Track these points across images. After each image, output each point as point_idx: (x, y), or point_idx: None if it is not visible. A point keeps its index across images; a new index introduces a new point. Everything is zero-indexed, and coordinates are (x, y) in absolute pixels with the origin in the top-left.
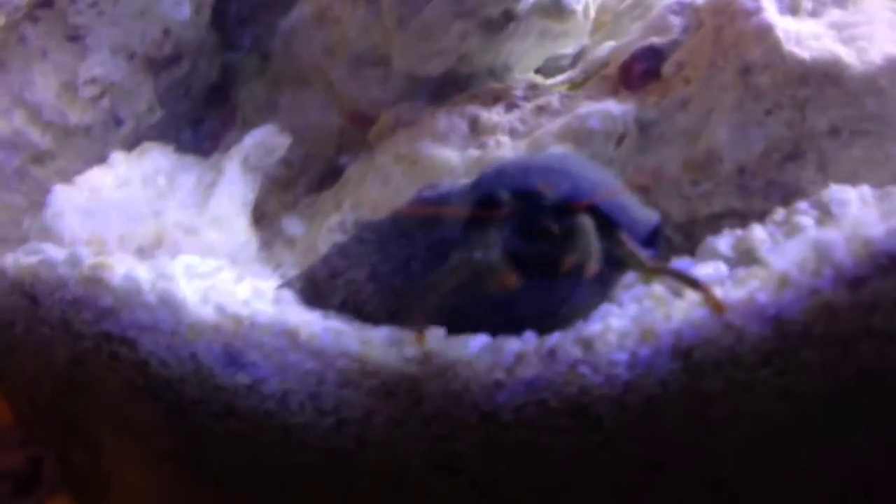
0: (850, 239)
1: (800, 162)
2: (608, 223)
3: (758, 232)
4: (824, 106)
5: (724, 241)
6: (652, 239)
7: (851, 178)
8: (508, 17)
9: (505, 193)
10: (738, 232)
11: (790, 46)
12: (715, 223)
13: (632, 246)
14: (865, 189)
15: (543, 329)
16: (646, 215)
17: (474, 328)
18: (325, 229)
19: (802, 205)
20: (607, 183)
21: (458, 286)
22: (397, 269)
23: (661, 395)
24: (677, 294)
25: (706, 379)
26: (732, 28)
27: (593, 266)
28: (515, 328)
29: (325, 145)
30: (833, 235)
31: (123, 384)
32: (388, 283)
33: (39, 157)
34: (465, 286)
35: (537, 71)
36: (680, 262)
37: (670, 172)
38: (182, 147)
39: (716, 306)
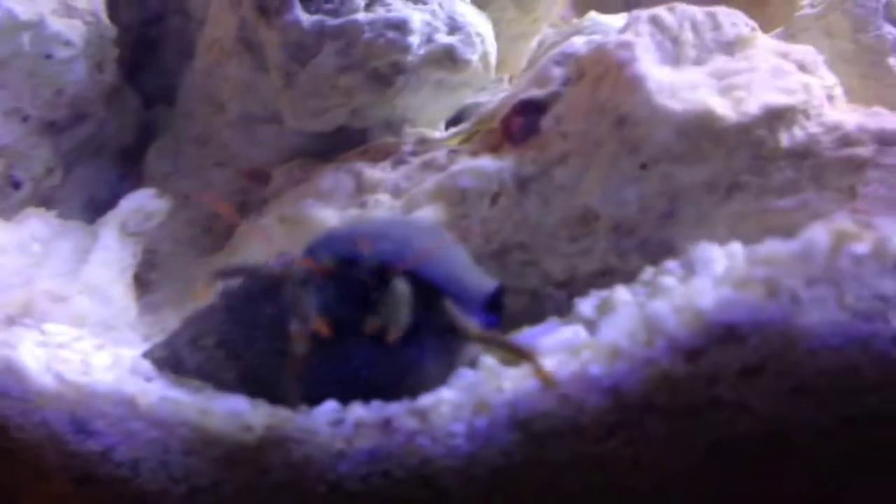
0: (680, 310)
1: (675, 218)
2: (430, 290)
3: (621, 293)
4: (699, 159)
5: (588, 304)
6: (492, 306)
7: (729, 234)
8: (397, 69)
9: (326, 256)
10: (603, 293)
11: (662, 99)
12: (595, 281)
13: (455, 314)
14: (736, 247)
15: (394, 398)
16: (482, 283)
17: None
18: (211, 292)
19: (670, 264)
20: (438, 250)
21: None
22: (242, 336)
23: (507, 466)
24: (510, 364)
25: (550, 450)
26: (608, 80)
27: (395, 331)
28: (366, 399)
29: (226, 202)
30: (661, 306)
31: None
32: (234, 349)
33: None
34: (314, 356)
35: (454, 122)
36: (540, 327)
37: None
38: (96, 209)
39: (545, 379)
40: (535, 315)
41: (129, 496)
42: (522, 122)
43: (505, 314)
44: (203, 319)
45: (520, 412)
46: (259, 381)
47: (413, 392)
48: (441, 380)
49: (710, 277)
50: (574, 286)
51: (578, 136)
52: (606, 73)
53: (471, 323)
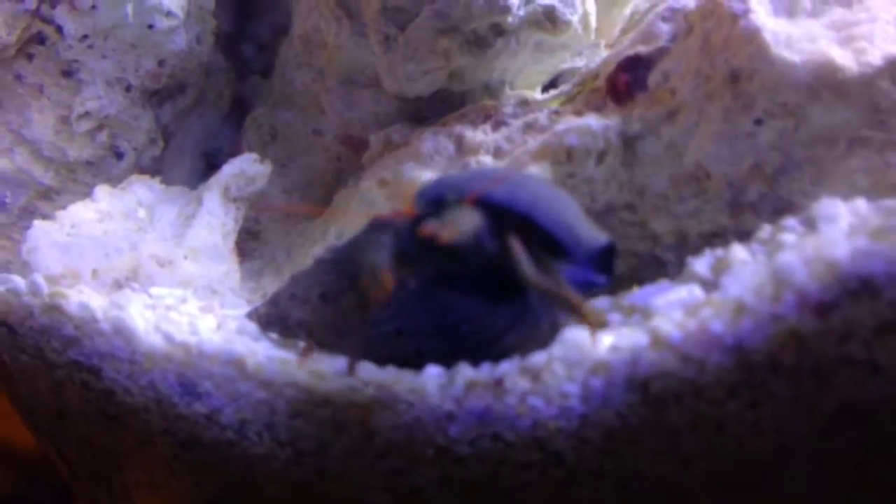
0: (811, 261)
1: (793, 175)
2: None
3: (738, 252)
4: (818, 113)
5: (701, 263)
6: (601, 262)
7: (849, 191)
8: (497, 31)
9: (419, 200)
10: (719, 252)
11: (779, 50)
12: (706, 242)
13: (518, 253)
14: (860, 203)
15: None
16: (591, 236)
17: (420, 354)
18: (309, 257)
19: (789, 221)
20: (549, 204)
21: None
22: (345, 288)
23: (622, 429)
24: (626, 324)
25: (669, 412)
26: (720, 33)
27: (447, 233)
28: (462, 358)
29: (324, 171)
30: (790, 258)
31: (99, 414)
32: (337, 300)
33: (45, 194)
34: (406, 309)
35: (550, 87)
36: (651, 287)
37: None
38: (196, 178)
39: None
40: (642, 279)
41: (235, 460)
42: (629, 78)
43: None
44: (307, 275)
45: (638, 372)
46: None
47: (510, 350)
48: (542, 339)
49: (841, 229)
50: (684, 248)
51: (688, 92)
52: (718, 26)
53: (531, 269)
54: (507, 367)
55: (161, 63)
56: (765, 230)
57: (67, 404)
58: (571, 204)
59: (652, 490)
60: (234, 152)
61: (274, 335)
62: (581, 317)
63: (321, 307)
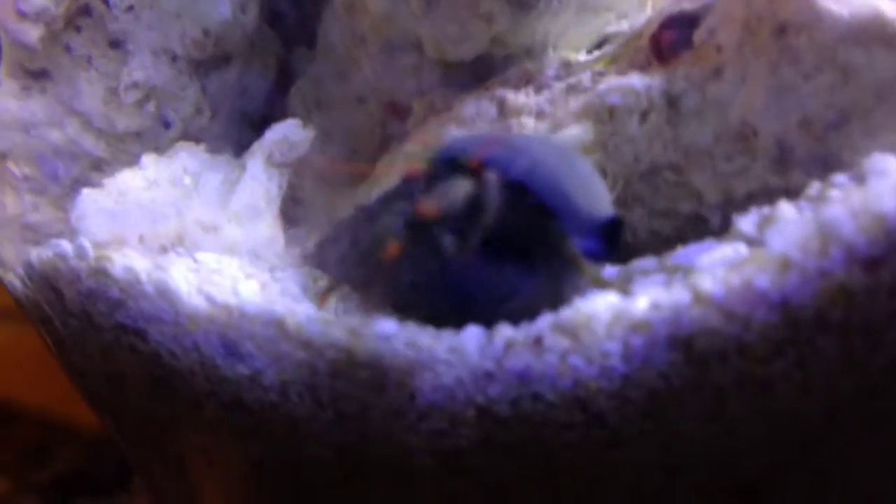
0: (858, 214)
1: (844, 130)
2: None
3: (786, 209)
4: (869, 67)
5: (748, 221)
6: (604, 234)
7: None
8: None
9: (429, 161)
10: (765, 210)
11: (827, 2)
12: (754, 201)
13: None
14: None
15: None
16: (594, 208)
17: (434, 309)
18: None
19: (839, 178)
20: (550, 172)
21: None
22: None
23: (665, 390)
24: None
25: (714, 372)
26: None
27: (429, 209)
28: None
29: (368, 139)
30: (836, 211)
31: (146, 377)
32: (361, 252)
33: (96, 165)
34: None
35: (596, 50)
36: (696, 246)
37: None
38: (242, 147)
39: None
40: (687, 239)
41: (278, 422)
42: (673, 36)
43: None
44: (344, 223)
45: (681, 330)
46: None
47: (518, 312)
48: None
49: (889, 183)
50: (730, 207)
51: (734, 48)
52: None
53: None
54: (544, 324)
55: (206, 32)
56: (813, 187)
57: (116, 368)
58: (581, 174)
59: (697, 453)
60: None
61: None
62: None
63: (351, 255)
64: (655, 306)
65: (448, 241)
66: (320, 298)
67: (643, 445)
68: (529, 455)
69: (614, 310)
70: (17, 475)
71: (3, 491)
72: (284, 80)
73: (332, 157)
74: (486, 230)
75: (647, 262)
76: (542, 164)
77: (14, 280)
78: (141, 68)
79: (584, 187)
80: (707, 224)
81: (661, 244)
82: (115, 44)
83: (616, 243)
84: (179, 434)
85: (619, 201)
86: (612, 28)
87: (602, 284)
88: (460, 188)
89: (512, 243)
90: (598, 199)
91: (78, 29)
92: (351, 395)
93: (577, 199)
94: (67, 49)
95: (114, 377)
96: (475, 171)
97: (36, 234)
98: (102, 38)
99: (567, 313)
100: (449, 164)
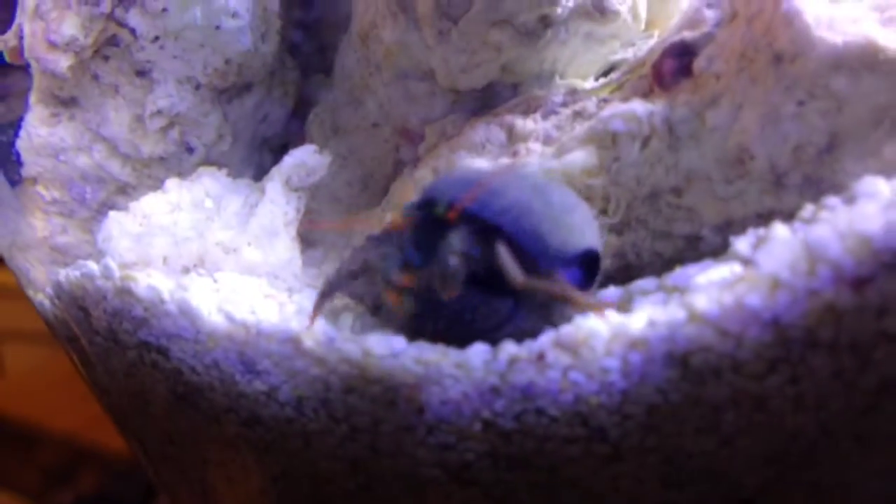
0: (845, 235)
1: (836, 155)
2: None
3: (780, 230)
4: (862, 93)
5: (744, 242)
6: (584, 265)
7: (895, 170)
8: (546, 22)
9: (410, 206)
10: (761, 231)
11: (821, 31)
12: (752, 224)
13: (506, 260)
14: None
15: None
16: (574, 240)
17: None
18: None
19: (831, 200)
20: (522, 212)
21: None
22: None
23: (663, 405)
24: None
25: (709, 388)
26: (763, 16)
27: (448, 290)
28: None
29: (382, 163)
30: (823, 232)
31: (168, 393)
32: (371, 276)
33: (122, 189)
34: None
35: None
36: (694, 266)
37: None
38: (262, 172)
39: (592, 308)
40: (688, 261)
41: (294, 437)
42: (674, 64)
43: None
44: (356, 251)
45: (677, 347)
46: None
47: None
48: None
49: (877, 202)
50: (730, 230)
51: (732, 76)
52: (761, 10)
53: (517, 272)
54: (546, 342)
55: (228, 62)
56: (807, 209)
57: (139, 385)
58: (559, 209)
59: (696, 466)
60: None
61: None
62: (579, 306)
63: (361, 282)
64: (652, 324)
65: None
66: (309, 322)
67: (644, 459)
68: (534, 468)
69: (613, 327)
70: (40, 496)
71: None
72: (302, 106)
73: (312, 219)
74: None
75: (647, 282)
76: (515, 208)
77: (44, 300)
78: (166, 96)
79: (560, 223)
80: (707, 245)
81: (663, 265)
82: (142, 73)
83: (594, 273)
84: (200, 450)
85: (622, 224)
86: (617, 56)
87: (591, 309)
88: (453, 257)
89: (497, 281)
90: (575, 231)
91: (106, 58)
92: (363, 410)
93: (550, 237)
94: (95, 77)
95: (138, 394)
96: (452, 222)
97: (64, 256)
98: (129, 67)
99: (567, 330)
100: (428, 215)
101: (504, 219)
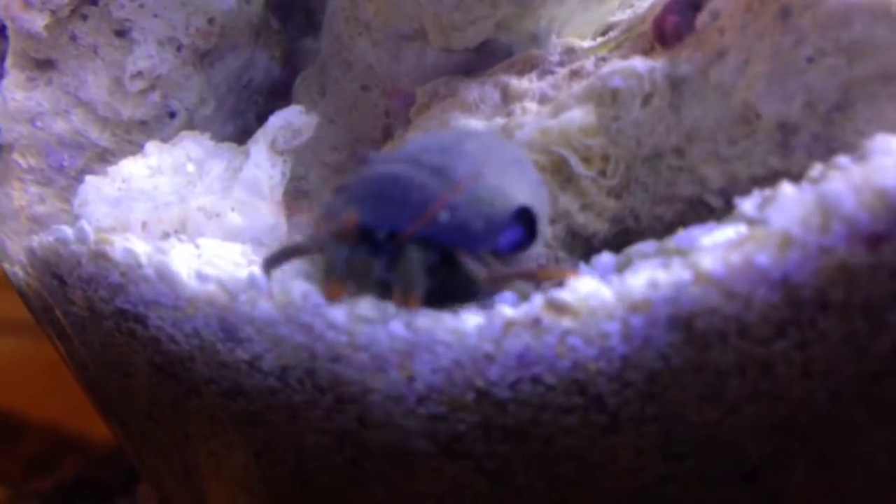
0: (860, 189)
1: (847, 113)
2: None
3: (788, 189)
4: (873, 49)
5: (750, 202)
6: (521, 224)
7: None
8: None
9: (344, 216)
10: (767, 191)
11: None
12: (757, 185)
13: (468, 264)
14: None
15: None
16: (498, 210)
17: None
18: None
19: (842, 159)
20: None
21: None
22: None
23: (665, 371)
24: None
25: (714, 353)
26: None
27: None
28: None
29: (372, 127)
30: (838, 186)
31: (146, 365)
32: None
33: (101, 155)
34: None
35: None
36: (697, 228)
37: None
38: (246, 138)
39: (561, 274)
40: (690, 224)
41: (278, 409)
42: (676, 20)
43: (625, 233)
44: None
45: (681, 309)
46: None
47: None
48: None
49: (894, 157)
50: (733, 191)
51: (737, 31)
52: None
53: (478, 266)
54: (541, 305)
55: (211, 21)
56: (816, 169)
57: (117, 356)
58: (470, 190)
59: (697, 437)
60: None
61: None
62: (548, 278)
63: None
64: (654, 285)
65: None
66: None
67: (643, 429)
68: (529, 439)
69: (614, 289)
70: (19, 485)
71: (2, 499)
72: (290, 70)
73: (294, 203)
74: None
75: (646, 245)
76: (446, 215)
77: (18, 271)
78: (146, 57)
79: (478, 199)
80: (709, 208)
81: (663, 229)
82: (121, 33)
83: (534, 226)
84: (181, 425)
85: (621, 186)
86: (615, 17)
87: (556, 276)
88: (414, 269)
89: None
90: (496, 197)
91: (84, 17)
92: (351, 380)
93: (476, 220)
94: (73, 38)
95: (115, 367)
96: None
97: (41, 227)
98: (108, 26)
99: (565, 293)
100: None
101: (446, 234)
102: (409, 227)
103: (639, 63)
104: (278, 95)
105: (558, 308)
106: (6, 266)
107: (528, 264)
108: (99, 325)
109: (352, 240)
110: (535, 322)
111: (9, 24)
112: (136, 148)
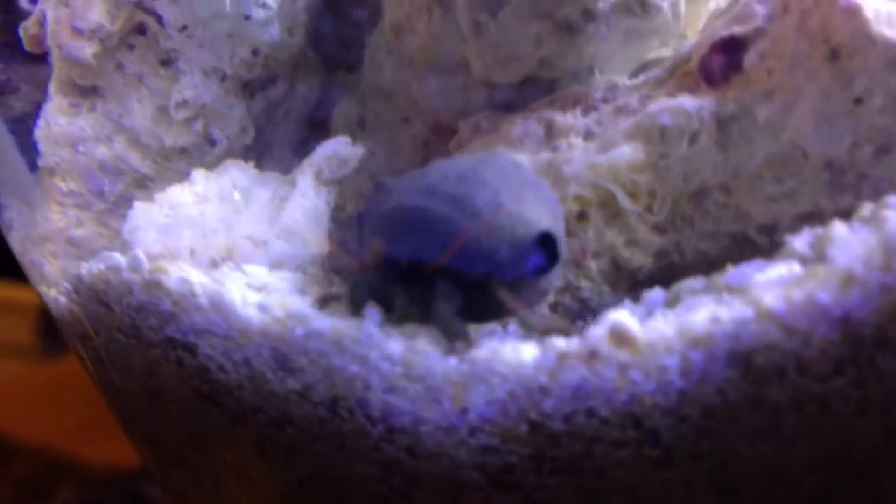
0: None
1: (894, 154)
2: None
3: (839, 229)
4: None
5: (801, 240)
6: (542, 250)
7: None
8: (588, 17)
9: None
10: (818, 230)
11: (881, 27)
12: (802, 224)
13: (501, 294)
14: None
15: None
16: (520, 236)
17: None
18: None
19: (893, 199)
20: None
21: None
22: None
23: (721, 407)
24: (727, 299)
25: (771, 389)
26: (819, 11)
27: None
28: None
29: (411, 158)
30: None
31: (191, 393)
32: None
33: (141, 182)
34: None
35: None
36: (748, 265)
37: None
38: (284, 167)
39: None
40: (734, 261)
41: (326, 438)
42: (723, 59)
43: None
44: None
45: (741, 345)
46: None
47: None
48: None
49: None
50: (779, 230)
51: (785, 72)
52: (816, 4)
53: (507, 294)
54: (599, 337)
55: (255, 52)
56: (866, 208)
57: (160, 384)
58: (496, 217)
59: (751, 473)
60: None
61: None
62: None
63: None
64: (716, 320)
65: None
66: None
67: (696, 464)
68: (580, 472)
69: (674, 323)
70: None
71: None
72: (327, 101)
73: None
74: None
75: (695, 282)
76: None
77: (58, 296)
78: (191, 87)
79: (507, 223)
80: (753, 245)
81: (707, 265)
82: (167, 62)
83: (555, 251)
84: (222, 453)
85: (667, 222)
86: (652, 55)
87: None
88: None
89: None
90: (526, 219)
91: (131, 47)
92: (403, 410)
93: (501, 252)
94: (119, 66)
95: (156, 395)
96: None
97: (79, 249)
98: (154, 56)
99: (622, 325)
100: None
101: (474, 263)
102: (435, 257)
103: (687, 101)
104: (314, 127)
105: (621, 339)
106: (43, 289)
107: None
108: (145, 353)
109: (376, 269)
110: (592, 354)
111: (55, 51)
112: (176, 175)
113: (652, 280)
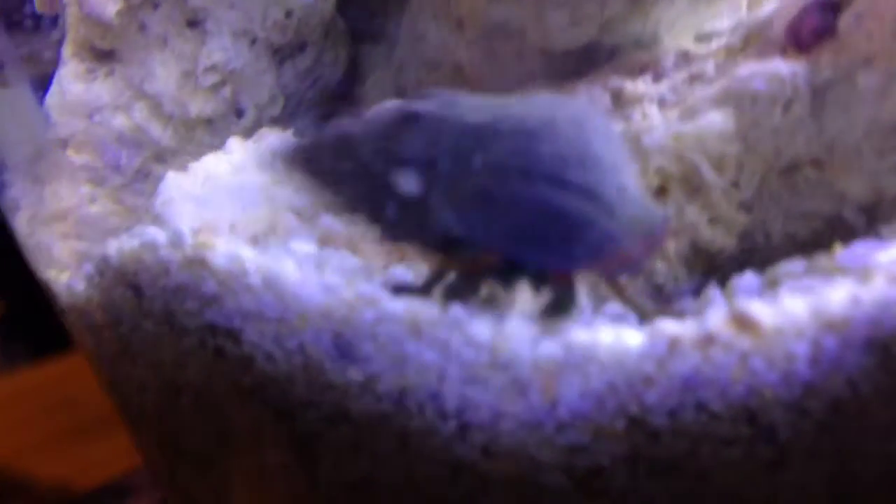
0: None
1: None
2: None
3: None
4: None
5: None
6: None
7: None
8: None
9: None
10: None
11: None
12: None
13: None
14: None
15: None
16: (658, 232)
17: None
18: None
19: None
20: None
21: None
22: None
23: (850, 401)
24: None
25: None
26: None
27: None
28: None
29: None
30: None
31: (229, 387)
32: None
33: (161, 155)
34: None
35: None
36: (860, 244)
37: None
38: None
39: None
40: (825, 244)
41: (387, 436)
42: (816, 22)
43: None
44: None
45: (881, 330)
46: None
47: None
48: None
49: None
50: (879, 209)
51: (887, 36)
52: None
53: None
54: (718, 320)
55: (288, 14)
56: None
57: (189, 377)
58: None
59: (874, 477)
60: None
61: None
62: None
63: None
64: (856, 302)
65: None
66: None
67: (814, 466)
68: (680, 474)
69: (808, 303)
70: None
71: None
72: (353, 73)
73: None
74: None
75: (793, 265)
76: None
77: (70, 281)
78: (221, 50)
79: (638, 215)
80: (848, 228)
81: (794, 248)
82: (194, 23)
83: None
84: (254, 454)
85: (753, 198)
86: (719, 22)
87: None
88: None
89: None
90: (647, 204)
91: (155, 6)
92: (482, 404)
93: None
94: (142, 27)
95: (184, 390)
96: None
97: (91, 229)
98: (181, 15)
99: (744, 305)
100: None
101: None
102: (579, 267)
103: (782, 66)
104: (340, 98)
105: (744, 323)
106: (52, 273)
107: None
108: (177, 342)
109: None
110: (709, 340)
111: (73, 10)
112: (198, 147)
113: (732, 264)
